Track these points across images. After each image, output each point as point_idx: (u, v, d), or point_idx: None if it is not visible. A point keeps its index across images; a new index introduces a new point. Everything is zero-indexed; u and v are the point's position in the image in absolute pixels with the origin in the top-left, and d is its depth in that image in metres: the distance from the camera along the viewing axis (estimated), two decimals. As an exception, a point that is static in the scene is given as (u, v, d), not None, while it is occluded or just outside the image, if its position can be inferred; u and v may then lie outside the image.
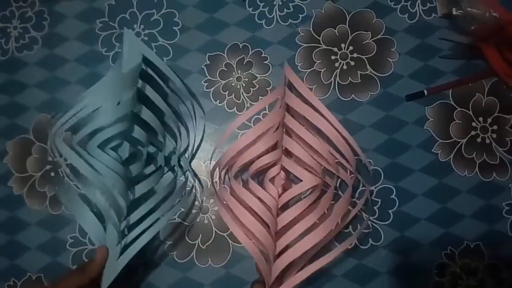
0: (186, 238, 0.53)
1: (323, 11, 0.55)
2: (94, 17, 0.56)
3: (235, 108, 0.54)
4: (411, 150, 0.52)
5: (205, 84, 0.55)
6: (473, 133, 0.53)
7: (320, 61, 0.54)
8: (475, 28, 0.49)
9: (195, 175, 0.53)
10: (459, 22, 0.51)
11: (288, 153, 0.50)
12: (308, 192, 0.51)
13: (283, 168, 0.50)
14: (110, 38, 0.56)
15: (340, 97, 0.54)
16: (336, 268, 0.51)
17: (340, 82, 0.54)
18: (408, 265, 0.51)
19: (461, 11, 0.49)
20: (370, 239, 0.51)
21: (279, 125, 0.47)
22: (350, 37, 0.54)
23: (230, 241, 0.52)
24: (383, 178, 0.52)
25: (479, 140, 0.53)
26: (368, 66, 0.54)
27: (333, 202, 0.49)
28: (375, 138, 0.53)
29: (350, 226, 0.52)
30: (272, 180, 0.49)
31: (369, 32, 0.54)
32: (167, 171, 0.53)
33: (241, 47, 0.55)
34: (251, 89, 0.54)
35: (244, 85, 0.55)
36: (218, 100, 0.54)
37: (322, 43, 0.55)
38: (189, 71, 0.55)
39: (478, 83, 0.53)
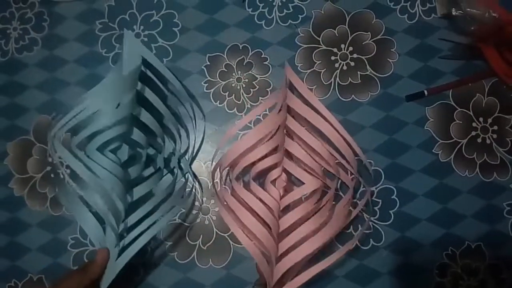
0: (187, 238, 0.53)
1: (322, 12, 0.55)
2: (94, 18, 0.56)
3: (235, 109, 0.54)
4: (412, 151, 0.52)
5: (205, 85, 0.55)
6: (473, 133, 0.53)
7: (320, 61, 0.54)
8: (475, 28, 0.49)
9: (195, 176, 0.53)
10: (459, 22, 0.50)
11: (289, 155, 0.50)
12: (309, 194, 0.51)
13: (284, 170, 0.50)
14: (109, 39, 0.56)
15: (340, 97, 0.54)
16: (337, 269, 0.51)
17: (340, 83, 0.54)
18: (409, 265, 0.51)
19: (460, 11, 0.49)
20: (371, 239, 0.51)
21: (280, 127, 0.47)
22: (350, 38, 0.54)
23: (231, 242, 0.52)
24: (383, 179, 0.52)
25: (479, 140, 0.53)
26: (368, 67, 0.54)
27: (334, 203, 0.49)
28: (376, 139, 0.53)
29: (351, 227, 0.52)
30: (273, 182, 0.49)
31: (369, 33, 0.54)
32: (167, 173, 0.53)
33: (241, 48, 0.55)
34: (251, 89, 0.54)
35: (244, 86, 0.55)
36: (218, 101, 0.54)
37: (322, 44, 0.55)
38: (189, 72, 0.55)
39: (478, 83, 0.53)
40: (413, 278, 0.51)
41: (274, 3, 0.55)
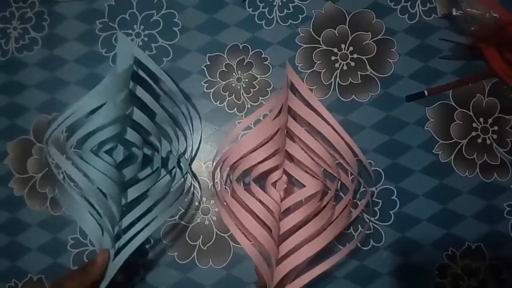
0: (187, 239, 0.53)
1: (323, 12, 0.55)
2: (94, 18, 0.56)
3: (235, 109, 0.54)
4: (412, 151, 0.52)
5: (205, 85, 0.55)
6: (473, 133, 0.53)
7: (320, 61, 0.54)
8: (475, 28, 0.49)
9: (194, 176, 0.53)
10: (459, 22, 0.50)
11: (290, 156, 0.50)
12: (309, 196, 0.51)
13: (285, 172, 0.49)
14: (110, 39, 0.56)
15: (341, 97, 0.54)
16: (338, 270, 0.51)
17: (341, 83, 0.54)
18: (409, 266, 0.51)
19: (461, 11, 0.49)
20: (371, 240, 0.51)
21: (281, 129, 0.47)
22: (350, 38, 0.54)
23: (231, 242, 0.52)
24: (383, 179, 0.52)
25: (479, 140, 0.53)
26: (368, 67, 0.54)
27: (334, 203, 0.49)
28: (376, 139, 0.53)
29: (352, 227, 0.51)
30: (274, 184, 0.49)
31: (369, 33, 0.54)
32: (166, 174, 0.53)
33: (241, 48, 0.55)
34: (251, 89, 0.54)
35: (244, 85, 0.55)
36: (218, 101, 0.54)
37: (322, 44, 0.54)
38: (189, 72, 0.55)
39: (478, 83, 0.53)
40: (413, 279, 0.51)
41: (274, 3, 0.55)
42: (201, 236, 0.53)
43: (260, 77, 0.54)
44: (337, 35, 0.55)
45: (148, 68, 0.49)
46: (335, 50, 0.54)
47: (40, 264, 0.53)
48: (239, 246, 0.52)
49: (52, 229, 0.54)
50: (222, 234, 0.52)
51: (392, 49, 0.54)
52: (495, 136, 0.53)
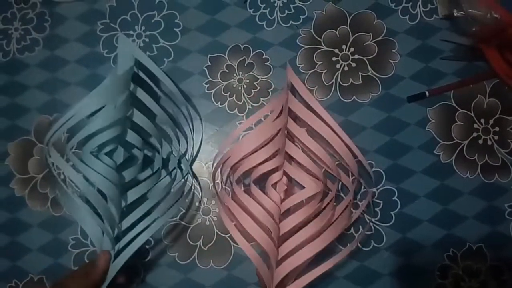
0: (188, 239, 0.53)
1: (324, 13, 0.55)
2: (95, 18, 0.56)
3: (236, 110, 0.54)
4: (413, 152, 0.52)
5: (206, 85, 0.55)
6: (475, 134, 0.53)
7: (321, 62, 0.54)
8: (476, 29, 0.49)
9: (195, 176, 0.53)
10: (460, 23, 0.50)
11: (290, 157, 0.50)
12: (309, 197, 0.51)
13: (285, 173, 0.49)
14: (111, 40, 0.56)
15: (342, 98, 0.54)
16: (338, 270, 0.51)
17: (342, 84, 0.54)
18: (410, 267, 0.51)
19: (462, 12, 0.49)
20: (372, 241, 0.51)
21: (281, 130, 0.47)
22: (351, 39, 0.54)
23: (232, 243, 0.52)
24: (384, 180, 0.52)
25: (481, 141, 0.53)
26: (369, 68, 0.54)
27: (335, 204, 0.49)
28: (377, 140, 0.53)
29: (352, 228, 0.51)
30: (274, 185, 0.49)
31: (370, 34, 0.54)
32: (166, 175, 0.53)
33: (242, 49, 0.55)
34: (252, 90, 0.54)
35: (245, 86, 0.55)
36: (219, 102, 0.54)
37: (323, 45, 0.55)
38: (190, 73, 0.55)
39: (479, 84, 0.53)
40: (414, 280, 0.51)
41: (275, 4, 0.55)
42: (202, 236, 0.53)
43: (261, 78, 0.55)
44: (338, 36, 0.55)
45: (149, 70, 0.49)
46: (336, 51, 0.54)
47: (41, 265, 0.53)
48: (240, 246, 0.52)
49: (53, 229, 0.54)
50: (223, 235, 0.52)
51: (393, 50, 0.54)
52: (496, 137, 0.53)
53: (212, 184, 0.51)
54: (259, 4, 0.55)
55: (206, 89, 0.55)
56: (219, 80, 0.55)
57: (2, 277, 0.53)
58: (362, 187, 0.52)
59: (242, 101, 0.54)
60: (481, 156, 0.52)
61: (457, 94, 0.53)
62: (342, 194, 0.52)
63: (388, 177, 0.52)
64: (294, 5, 0.55)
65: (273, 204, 0.47)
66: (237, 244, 0.52)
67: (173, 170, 0.52)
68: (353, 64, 0.54)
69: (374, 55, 0.54)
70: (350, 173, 0.51)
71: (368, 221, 0.51)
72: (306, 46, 0.55)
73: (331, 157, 0.49)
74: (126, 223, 0.48)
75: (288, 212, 0.48)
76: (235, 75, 0.55)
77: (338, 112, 0.53)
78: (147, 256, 0.52)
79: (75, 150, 0.52)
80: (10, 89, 0.56)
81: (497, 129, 0.53)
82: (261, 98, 0.54)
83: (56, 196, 0.53)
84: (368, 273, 0.51)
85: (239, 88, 0.55)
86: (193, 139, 0.53)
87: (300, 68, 0.54)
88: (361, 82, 0.54)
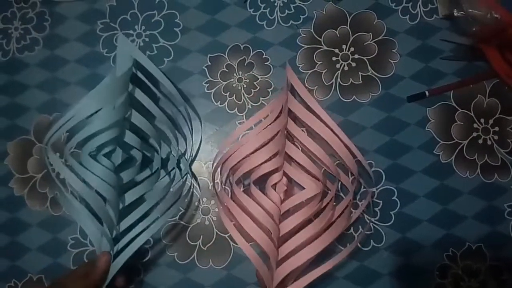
0: (187, 239, 0.52)
1: (324, 12, 0.55)
2: (95, 18, 0.56)
3: (236, 110, 0.54)
4: (413, 152, 0.52)
5: (206, 85, 0.55)
6: (474, 134, 0.53)
7: (321, 62, 0.54)
8: (477, 29, 0.49)
9: (194, 176, 0.53)
10: (461, 23, 0.50)
11: (290, 158, 0.50)
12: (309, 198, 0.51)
13: (285, 174, 0.49)
14: (111, 39, 0.56)
15: (341, 98, 0.54)
16: (338, 270, 0.51)
17: (341, 83, 0.54)
18: (409, 266, 0.51)
19: (462, 12, 0.49)
20: (371, 240, 0.51)
21: (281, 131, 0.47)
22: (351, 38, 0.54)
23: (231, 243, 0.52)
24: (384, 180, 0.52)
25: (480, 141, 0.53)
26: (369, 67, 0.54)
27: (334, 204, 0.49)
28: (376, 140, 0.53)
29: (352, 228, 0.51)
30: (274, 186, 0.49)
31: (370, 34, 0.54)
32: (165, 175, 0.53)
33: (242, 48, 0.55)
34: (252, 90, 0.54)
35: (245, 86, 0.55)
36: (219, 101, 0.54)
37: (323, 44, 0.55)
38: (190, 72, 0.55)
39: (479, 84, 0.53)
40: (413, 279, 0.51)
41: (275, 4, 0.55)
42: (201, 236, 0.52)
43: (261, 78, 0.54)
44: (338, 35, 0.55)
45: (148, 70, 0.49)
46: (336, 50, 0.54)
47: (40, 264, 0.53)
48: (239, 246, 0.52)
49: (52, 229, 0.54)
50: (222, 235, 0.52)
51: (393, 50, 0.54)
52: (496, 137, 0.53)
53: (211, 184, 0.51)
54: (259, 3, 0.55)
55: (206, 89, 0.55)
56: (219, 79, 0.55)
57: (1, 277, 0.53)
58: (362, 187, 0.52)
59: (242, 100, 0.54)
60: (480, 156, 0.52)
61: (457, 94, 0.53)
62: (341, 194, 0.52)
63: (387, 177, 0.52)
64: (294, 5, 0.55)
65: (273, 205, 0.47)
66: (236, 244, 0.52)
67: (172, 170, 0.52)
68: (353, 64, 0.54)
69: (374, 55, 0.54)
70: (349, 173, 0.51)
71: (367, 221, 0.51)
72: (306, 46, 0.55)
73: (331, 157, 0.49)
74: (126, 223, 0.48)
75: (288, 213, 0.48)
76: (235, 74, 0.55)
77: (338, 112, 0.53)
78: (147, 256, 0.52)
79: (74, 150, 0.52)
80: (10, 88, 0.56)
81: (497, 129, 0.53)
82: (261, 98, 0.54)
83: (55, 195, 0.53)
84: (368, 273, 0.51)
85: (239, 87, 0.55)
86: (192, 139, 0.53)
87: (300, 68, 0.54)
88: (361, 82, 0.54)
